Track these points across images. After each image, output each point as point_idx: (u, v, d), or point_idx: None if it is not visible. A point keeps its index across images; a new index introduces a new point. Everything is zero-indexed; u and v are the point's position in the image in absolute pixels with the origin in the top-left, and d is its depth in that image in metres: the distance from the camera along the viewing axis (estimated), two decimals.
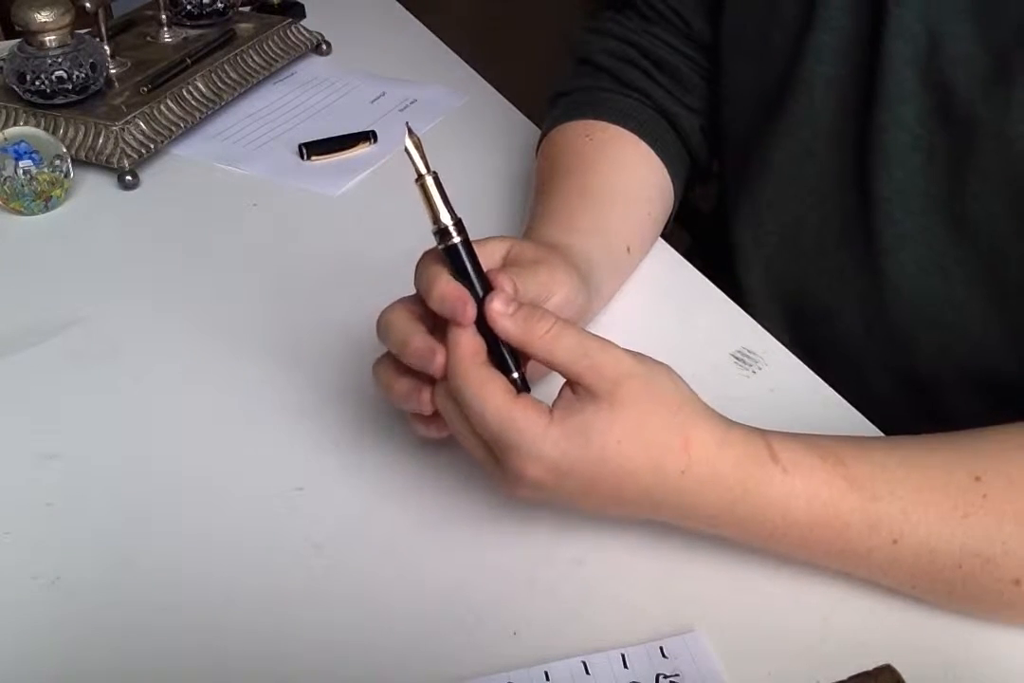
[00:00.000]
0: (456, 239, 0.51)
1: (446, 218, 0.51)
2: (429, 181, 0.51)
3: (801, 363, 0.69)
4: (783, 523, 0.50)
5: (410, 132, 0.51)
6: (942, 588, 0.51)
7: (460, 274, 0.51)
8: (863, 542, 0.50)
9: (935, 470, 0.51)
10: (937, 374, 0.71)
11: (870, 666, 0.43)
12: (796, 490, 0.50)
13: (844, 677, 0.43)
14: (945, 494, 0.50)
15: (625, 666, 0.50)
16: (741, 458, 0.50)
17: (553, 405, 0.50)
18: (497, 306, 0.51)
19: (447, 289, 0.51)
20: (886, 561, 0.51)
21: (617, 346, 0.51)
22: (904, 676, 0.43)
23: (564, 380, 0.51)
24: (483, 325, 0.51)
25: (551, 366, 0.51)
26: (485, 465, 0.53)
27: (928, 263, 0.67)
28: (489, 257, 0.57)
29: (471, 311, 0.50)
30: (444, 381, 0.52)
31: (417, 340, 0.52)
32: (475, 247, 0.55)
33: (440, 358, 0.51)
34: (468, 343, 0.51)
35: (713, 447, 0.50)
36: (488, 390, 0.50)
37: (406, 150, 0.51)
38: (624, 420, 0.49)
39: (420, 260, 0.53)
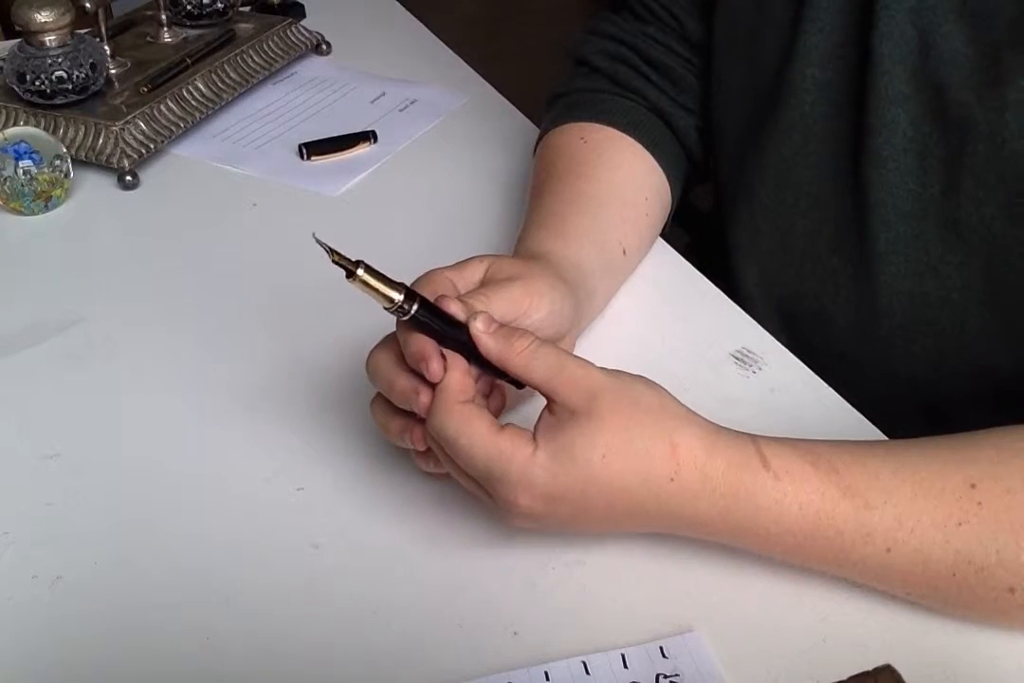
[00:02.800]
0: (413, 309, 0.51)
1: (396, 296, 0.50)
2: (362, 273, 0.50)
3: (801, 363, 0.69)
4: (776, 530, 0.50)
5: (322, 243, 0.50)
6: (936, 595, 0.51)
7: (433, 332, 0.52)
8: (857, 550, 0.50)
9: (930, 477, 0.50)
10: (933, 377, 0.71)
11: (870, 666, 0.43)
12: (788, 497, 0.50)
13: (844, 677, 0.43)
14: (940, 502, 0.49)
15: (625, 666, 0.50)
16: (731, 464, 0.50)
17: (535, 430, 0.51)
18: (479, 325, 0.52)
19: (415, 348, 0.52)
20: (880, 568, 0.51)
21: (593, 364, 0.52)
22: (904, 676, 0.43)
23: (542, 406, 0.52)
24: (472, 355, 0.52)
25: (529, 382, 0.52)
26: (479, 497, 0.53)
27: (923, 266, 0.67)
28: (468, 280, 0.58)
29: (435, 367, 0.51)
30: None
31: (401, 381, 0.53)
32: (453, 273, 0.57)
33: (424, 397, 0.52)
34: (446, 384, 0.51)
35: (701, 453, 0.50)
36: (471, 426, 0.50)
37: (333, 262, 0.49)
38: (606, 433, 0.49)
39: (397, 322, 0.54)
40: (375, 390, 0.56)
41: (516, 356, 0.51)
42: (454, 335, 0.52)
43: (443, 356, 0.52)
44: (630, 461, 0.49)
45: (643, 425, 0.50)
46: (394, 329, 0.55)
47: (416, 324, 0.52)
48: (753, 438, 0.51)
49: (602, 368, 0.51)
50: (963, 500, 0.49)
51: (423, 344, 0.52)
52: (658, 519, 0.51)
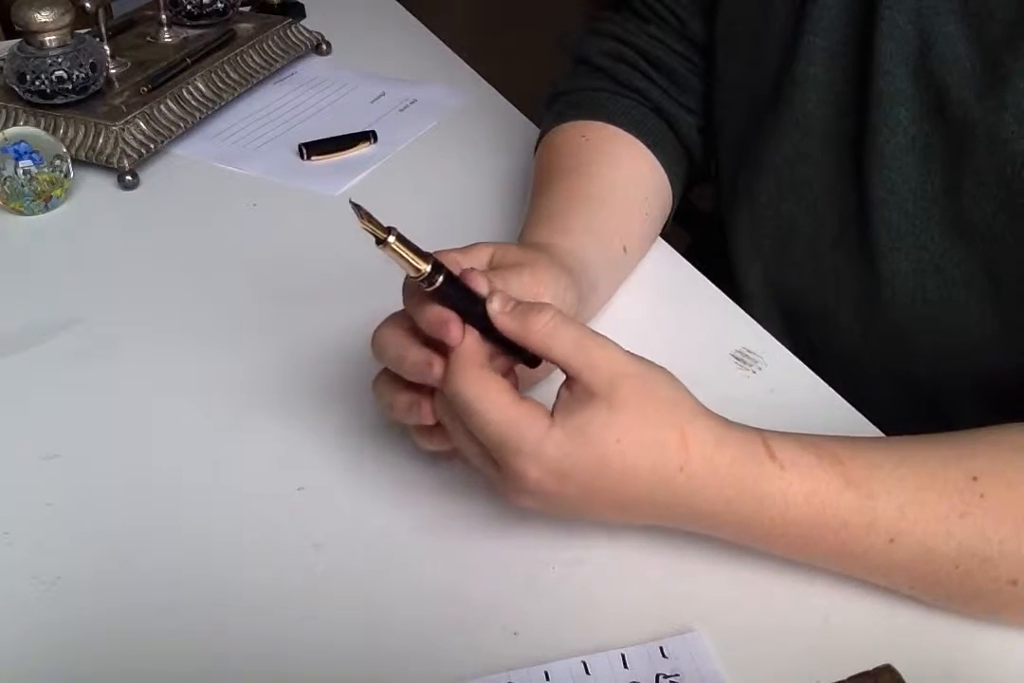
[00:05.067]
0: (439, 279, 0.50)
1: (424, 266, 0.50)
2: (393, 240, 0.49)
3: (801, 363, 0.69)
4: (781, 522, 0.50)
5: (356, 206, 0.49)
6: (940, 589, 0.51)
7: (453, 305, 0.51)
8: (860, 541, 0.50)
9: (932, 470, 0.51)
10: (934, 374, 0.71)
11: (870, 666, 0.43)
12: (793, 488, 0.50)
13: (844, 677, 0.43)
14: (942, 494, 0.50)
15: (625, 666, 0.50)
16: (738, 456, 0.50)
17: (553, 408, 0.50)
18: (496, 305, 0.51)
19: (433, 314, 0.51)
20: (884, 561, 0.51)
21: (615, 344, 0.51)
22: (904, 676, 0.43)
23: (561, 382, 0.51)
24: (490, 332, 0.52)
25: (550, 359, 0.51)
26: (485, 471, 0.53)
27: (924, 264, 0.67)
28: (474, 263, 0.57)
29: (456, 331, 0.50)
30: (439, 395, 0.52)
31: (413, 353, 0.53)
32: (460, 255, 0.56)
33: (438, 368, 0.51)
34: (465, 349, 0.51)
35: (710, 444, 0.50)
36: (490, 391, 0.50)
37: (363, 227, 0.49)
38: (622, 419, 0.49)
39: (404, 286, 0.53)
40: (379, 394, 0.56)
41: (534, 334, 0.51)
42: (473, 310, 0.51)
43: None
44: (642, 449, 0.49)
45: (658, 415, 0.50)
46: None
47: (438, 296, 0.51)
48: (759, 432, 0.52)
49: (624, 350, 0.51)
50: (965, 492, 0.50)
51: (441, 310, 0.51)
52: (664, 509, 0.51)
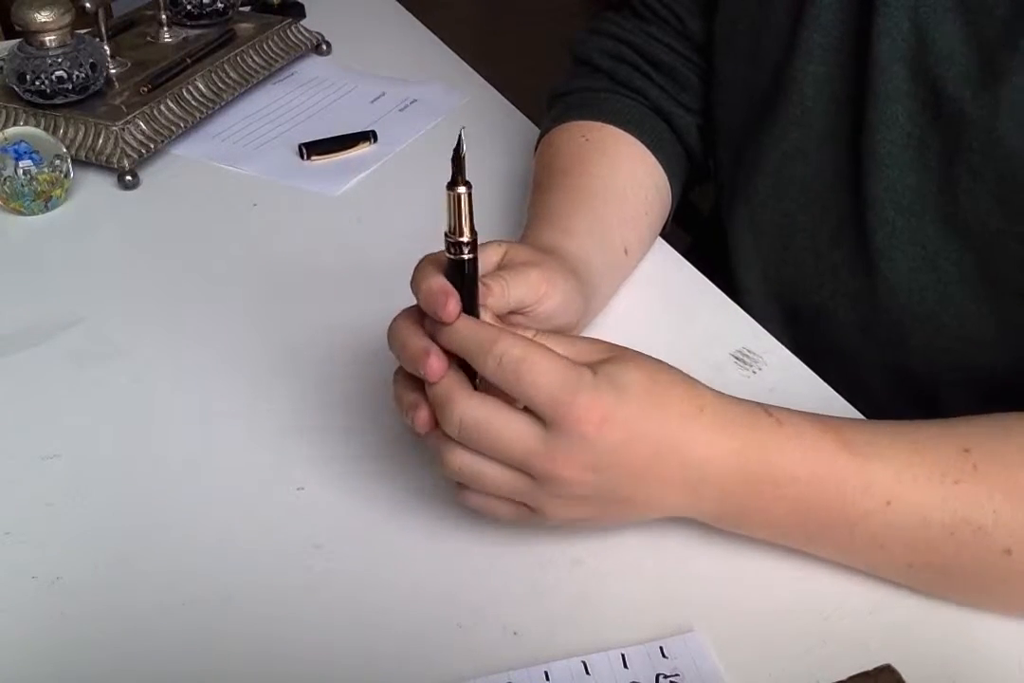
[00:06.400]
0: (466, 256, 0.51)
1: (467, 233, 0.50)
2: (463, 190, 0.50)
3: (801, 363, 0.69)
4: (782, 479, 0.51)
5: (461, 139, 0.50)
6: (936, 560, 0.51)
7: (459, 284, 0.51)
8: (858, 504, 0.51)
9: (925, 442, 0.52)
10: (932, 372, 0.72)
11: (870, 666, 0.43)
12: (791, 443, 0.51)
13: (844, 677, 0.43)
14: (935, 462, 0.51)
15: (625, 666, 0.50)
16: (741, 412, 0.52)
17: None
18: (487, 319, 0.53)
19: (438, 284, 0.51)
20: (882, 528, 0.51)
21: None
22: (904, 676, 0.43)
23: None
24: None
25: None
26: (528, 457, 0.50)
27: (921, 261, 0.68)
28: (486, 261, 0.57)
29: (452, 306, 0.50)
30: (461, 391, 0.51)
31: (414, 341, 0.52)
32: None
33: (434, 359, 0.51)
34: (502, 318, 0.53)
35: (716, 399, 0.52)
36: (540, 349, 0.50)
37: (454, 158, 0.50)
38: (640, 369, 0.51)
39: (419, 263, 0.53)
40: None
41: None
42: (472, 301, 0.52)
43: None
44: (670, 386, 0.51)
45: (663, 372, 0.52)
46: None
47: (452, 269, 0.51)
48: (754, 401, 0.53)
49: None
50: (958, 462, 0.51)
51: (447, 283, 0.51)
52: (679, 475, 0.51)
